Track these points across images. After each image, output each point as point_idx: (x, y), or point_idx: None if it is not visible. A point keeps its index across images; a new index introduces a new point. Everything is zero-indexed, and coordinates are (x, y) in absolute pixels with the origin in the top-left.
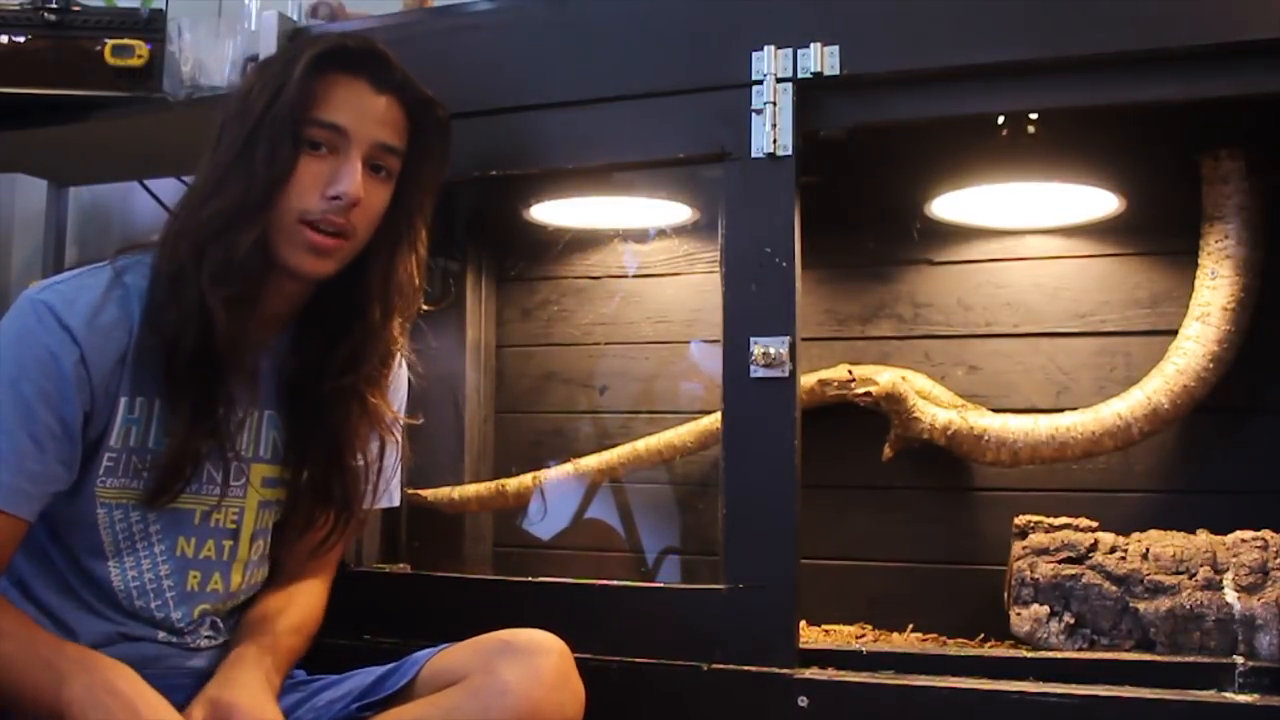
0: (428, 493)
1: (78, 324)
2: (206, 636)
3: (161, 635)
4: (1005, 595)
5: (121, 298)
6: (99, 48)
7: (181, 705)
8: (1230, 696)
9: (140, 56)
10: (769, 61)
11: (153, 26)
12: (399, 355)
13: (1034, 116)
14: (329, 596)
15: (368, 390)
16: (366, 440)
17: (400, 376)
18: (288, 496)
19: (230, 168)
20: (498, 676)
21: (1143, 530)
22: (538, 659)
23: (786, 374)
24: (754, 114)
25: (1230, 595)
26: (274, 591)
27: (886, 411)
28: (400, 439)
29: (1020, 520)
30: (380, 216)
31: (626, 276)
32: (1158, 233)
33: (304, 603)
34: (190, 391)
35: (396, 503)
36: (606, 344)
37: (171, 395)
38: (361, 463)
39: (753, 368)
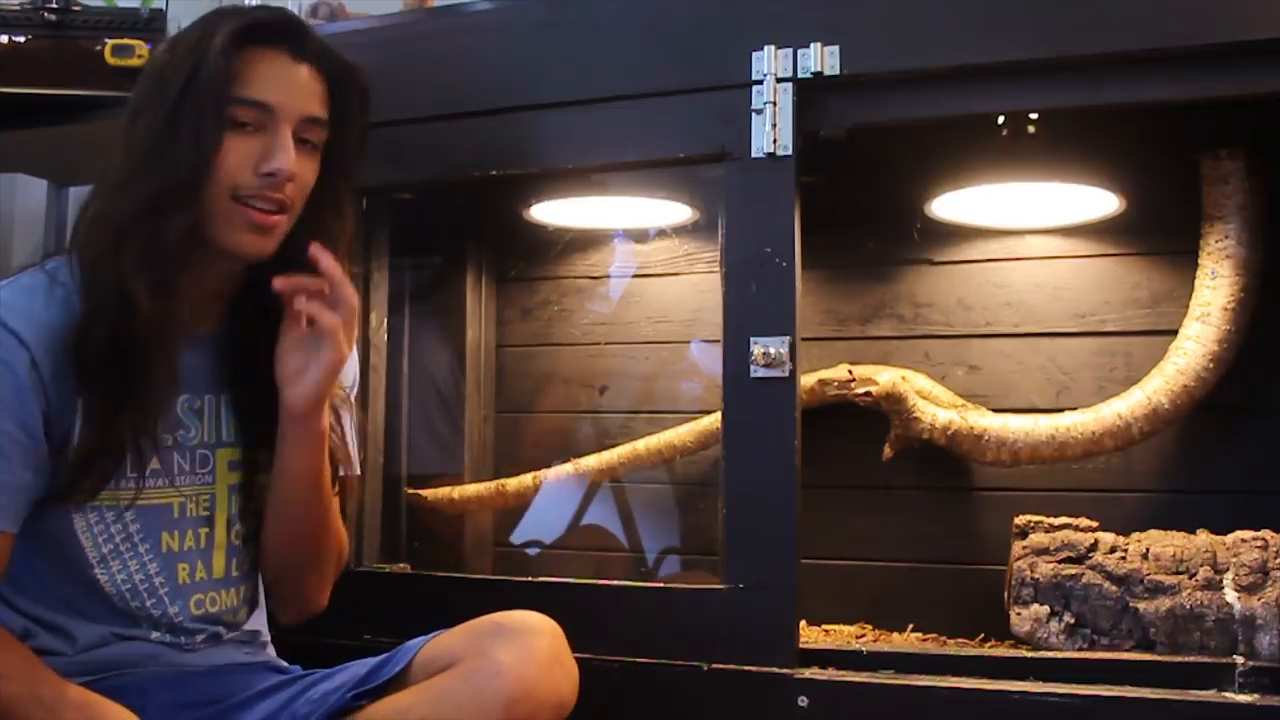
0: (428, 493)
1: (23, 327)
2: (203, 640)
3: (155, 635)
4: (1005, 595)
5: (64, 298)
6: (99, 48)
7: (179, 704)
8: (1230, 696)
9: (140, 56)
10: (769, 61)
11: (153, 26)
12: None
13: (1034, 116)
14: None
15: None
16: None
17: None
18: (255, 476)
19: (152, 151)
20: (491, 658)
21: (1143, 530)
22: (530, 639)
23: (786, 374)
24: (754, 114)
25: (1230, 595)
26: None
27: (886, 411)
28: (354, 403)
29: (1020, 520)
30: (310, 189)
31: (626, 277)
32: (1158, 233)
33: None
34: (105, 383)
35: (357, 471)
36: (606, 344)
37: (83, 387)
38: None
39: (753, 368)
